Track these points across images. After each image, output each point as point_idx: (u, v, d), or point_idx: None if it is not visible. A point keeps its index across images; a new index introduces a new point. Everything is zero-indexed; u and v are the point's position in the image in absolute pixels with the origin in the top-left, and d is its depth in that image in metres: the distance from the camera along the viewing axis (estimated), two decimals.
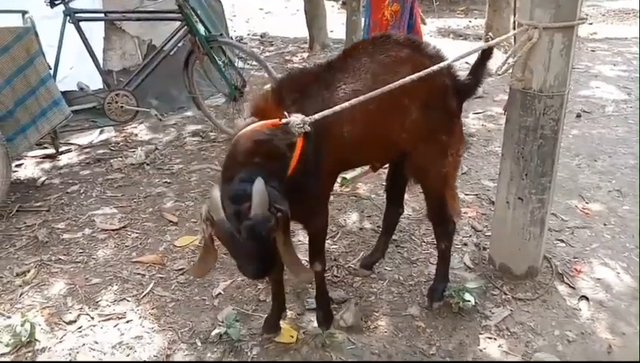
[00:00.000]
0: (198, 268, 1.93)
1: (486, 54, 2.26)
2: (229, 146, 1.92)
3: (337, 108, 1.90)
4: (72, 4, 4.02)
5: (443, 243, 2.48)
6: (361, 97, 1.92)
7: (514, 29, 2.41)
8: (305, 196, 1.96)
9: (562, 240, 2.96)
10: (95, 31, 4.70)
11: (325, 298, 2.36)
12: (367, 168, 2.61)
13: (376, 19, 4.37)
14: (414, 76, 1.97)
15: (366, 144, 2.13)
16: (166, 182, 3.77)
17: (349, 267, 2.77)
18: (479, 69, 2.27)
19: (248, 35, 8.86)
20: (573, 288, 2.59)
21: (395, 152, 2.29)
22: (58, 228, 3.20)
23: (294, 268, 1.78)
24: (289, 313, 2.44)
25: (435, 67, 2.03)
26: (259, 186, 1.61)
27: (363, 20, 5.09)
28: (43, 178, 3.86)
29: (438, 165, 2.29)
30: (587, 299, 2.52)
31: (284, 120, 1.83)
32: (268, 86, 2.26)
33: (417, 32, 4.50)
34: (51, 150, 4.25)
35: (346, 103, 1.91)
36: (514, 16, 2.56)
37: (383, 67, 2.12)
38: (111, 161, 4.09)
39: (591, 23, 9.21)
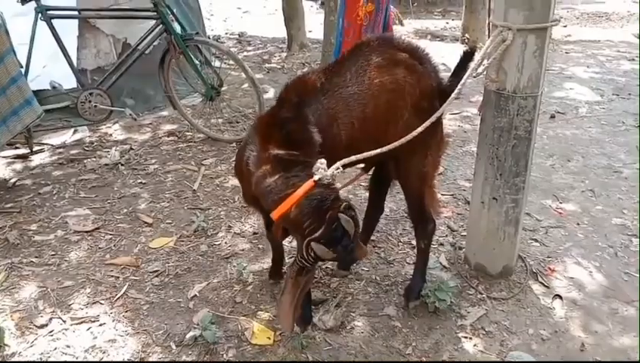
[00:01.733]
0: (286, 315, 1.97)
1: (467, 57, 2.28)
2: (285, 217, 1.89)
3: (360, 156, 1.98)
4: (44, 1, 3.93)
5: (423, 242, 2.49)
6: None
7: (489, 30, 2.43)
8: None
9: (536, 240, 3.00)
10: (69, 29, 4.59)
11: (308, 298, 2.35)
12: (359, 172, 2.63)
13: (350, 19, 4.32)
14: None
15: (363, 146, 2.12)
16: (140, 183, 3.72)
17: (327, 267, 2.76)
18: (461, 71, 2.29)
19: (226, 34, 8.79)
20: (547, 287, 2.63)
21: (388, 153, 2.29)
22: (30, 230, 3.13)
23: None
24: (265, 315, 2.43)
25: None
26: (344, 220, 1.78)
27: (339, 20, 5.05)
28: (14, 179, 3.78)
29: (420, 165, 2.34)
30: (561, 297, 2.56)
31: (315, 178, 1.86)
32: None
33: (390, 31, 4.49)
34: (23, 150, 4.16)
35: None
36: (489, 17, 2.57)
37: (379, 71, 2.16)
38: (85, 161, 4.01)
39: (565, 26, 9.34)
